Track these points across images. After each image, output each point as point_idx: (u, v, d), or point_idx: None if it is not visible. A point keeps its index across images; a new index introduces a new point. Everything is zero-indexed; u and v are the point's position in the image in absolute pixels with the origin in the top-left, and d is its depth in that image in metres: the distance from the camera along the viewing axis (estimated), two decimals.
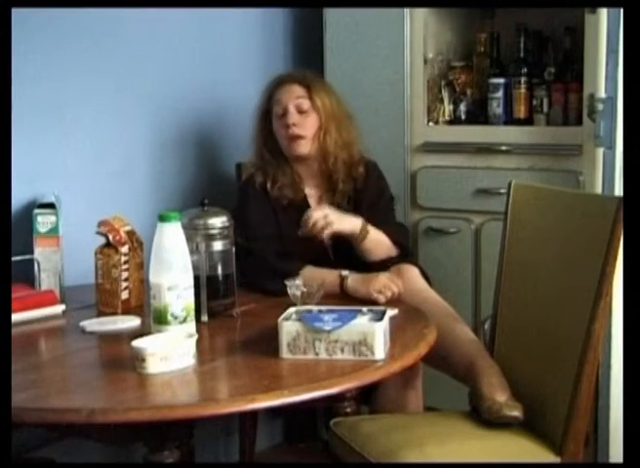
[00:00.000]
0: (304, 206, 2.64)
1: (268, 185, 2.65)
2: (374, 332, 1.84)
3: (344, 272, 2.43)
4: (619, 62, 2.53)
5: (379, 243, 2.57)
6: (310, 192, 2.70)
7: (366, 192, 2.69)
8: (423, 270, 2.60)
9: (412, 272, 2.52)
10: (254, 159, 2.74)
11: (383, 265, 2.53)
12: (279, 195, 2.64)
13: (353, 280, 2.42)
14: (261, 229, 2.57)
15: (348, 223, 2.50)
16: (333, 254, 2.63)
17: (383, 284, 2.37)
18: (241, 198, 2.68)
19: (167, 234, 1.95)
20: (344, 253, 2.58)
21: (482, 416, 2.16)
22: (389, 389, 2.50)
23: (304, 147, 2.62)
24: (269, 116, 2.68)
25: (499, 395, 2.16)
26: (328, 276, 2.42)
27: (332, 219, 2.45)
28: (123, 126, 2.76)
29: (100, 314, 2.27)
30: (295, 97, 2.63)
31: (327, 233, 2.46)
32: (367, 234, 2.52)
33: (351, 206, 2.64)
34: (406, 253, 2.65)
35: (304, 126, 2.62)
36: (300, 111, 2.63)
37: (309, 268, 2.47)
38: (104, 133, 2.71)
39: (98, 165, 2.69)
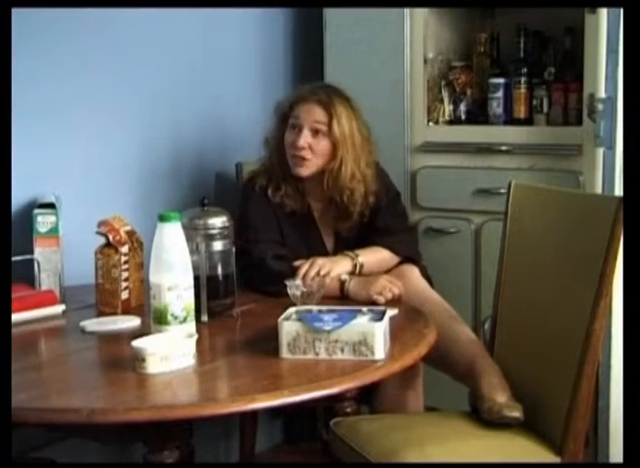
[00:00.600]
0: (309, 217, 2.61)
1: (270, 190, 2.57)
2: (374, 332, 1.84)
3: (344, 276, 2.42)
4: (619, 62, 2.53)
5: (376, 265, 2.55)
6: (315, 204, 2.63)
7: (378, 209, 2.62)
8: (425, 271, 2.60)
9: (413, 273, 2.52)
10: (264, 159, 2.67)
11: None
12: (281, 202, 2.58)
13: (353, 284, 2.41)
14: (261, 232, 2.53)
15: (342, 267, 2.47)
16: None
17: (383, 286, 2.37)
18: (242, 199, 2.63)
19: (167, 234, 1.95)
20: None
21: (482, 417, 2.16)
22: (389, 389, 2.50)
23: (307, 170, 2.52)
24: (286, 122, 2.57)
25: (499, 395, 2.16)
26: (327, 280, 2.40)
27: (328, 268, 2.42)
28: (123, 126, 2.76)
29: (100, 314, 2.27)
30: (313, 120, 2.51)
31: (328, 281, 2.39)
32: (362, 268, 2.50)
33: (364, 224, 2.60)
34: (410, 259, 2.64)
35: (314, 149, 2.51)
36: (314, 132, 2.51)
37: None
38: (104, 133, 2.71)
39: (98, 165, 2.69)
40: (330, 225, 2.64)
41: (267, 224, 2.56)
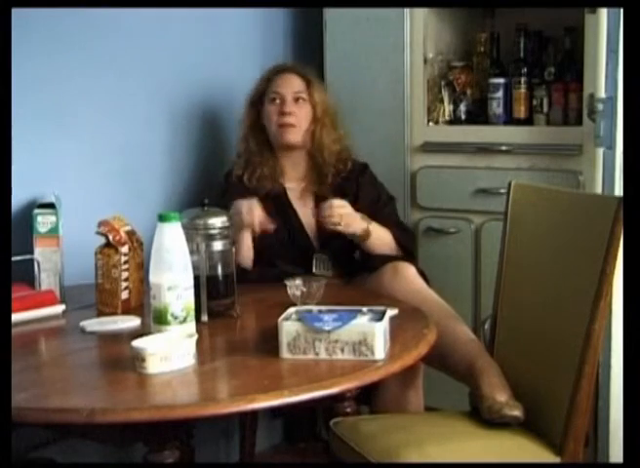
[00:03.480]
0: (283, 198, 2.71)
1: (245, 177, 2.70)
2: (374, 332, 1.84)
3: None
4: (619, 62, 2.53)
5: (380, 241, 2.60)
6: (291, 185, 2.75)
7: (363, 192, 2.71)
8: (421, 270, 2.61)
9: (409, 271, 2.52)
10: (238, 145, 2.78)
11: (380, 260, 2.55)
12: (257, 186, 2.68)
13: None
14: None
15: (354, 228, 2.53)
16: (318, 246, 2.65)
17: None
18: (220, 193, 2.71)
19: (167, 234, 1.95)
20: (329, 243, 2.64)
21: (482, 416, 2.16)
22: (390, 389, 2.50)
23: (296, 136, 2.69)
24: (262, 100, 2.73)
25: (499, 395, 2.16)
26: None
27: (345, 222, 2.49)
28: (123, 126, 2.76)
29: (100, 314, 2.27)
30: (294, 88, 2.71)
31: (332, 228, 2.49)
32: (369, 236, 2.55)
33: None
34: (408, 254, 2.65)
35: (298, 116, 2.69)
36: (296, 101, 2.69)
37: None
38: (104, 133, 2.71)
39: (98, 165, 2.69)
40: (306, 206, 2.72)
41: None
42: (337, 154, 2.74)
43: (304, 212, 2.71)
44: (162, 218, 1.96)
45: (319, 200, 2.65)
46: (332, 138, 2.73)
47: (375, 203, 2.70)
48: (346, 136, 2.79)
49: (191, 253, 2.01)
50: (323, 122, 2.71)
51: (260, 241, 2.56)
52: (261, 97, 2.74)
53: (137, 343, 1.80)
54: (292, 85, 2.71)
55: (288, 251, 2.66)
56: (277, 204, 2.68)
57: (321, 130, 2.71)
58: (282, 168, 2.74)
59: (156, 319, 1.95)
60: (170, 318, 1.93)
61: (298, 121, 2.69)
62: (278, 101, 2.69)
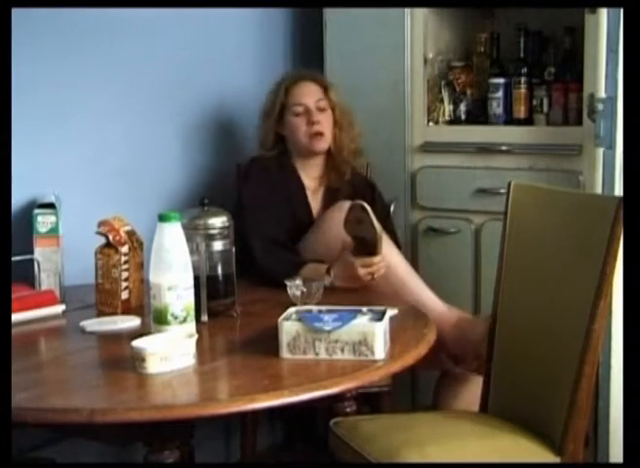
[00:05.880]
0: (302, 195, 2.77)
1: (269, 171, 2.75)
2: (374, 332, 1.84)
3: (332, 272, 2.46)
4: (619, 62, 2.53)
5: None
6: (309, 183, 2.82)
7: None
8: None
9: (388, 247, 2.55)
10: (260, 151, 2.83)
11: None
12: (276, 179, 2.74)
13: (338, 280, 2.45)
14: (262, 210, 2.64)
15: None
16: None
17: (368, 272, 2.44)
18: (242, 177, 2.77)
19: (167, 234, 1.95)
20: None
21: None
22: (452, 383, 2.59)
23: (325, 143, 2.77)
24: (281, 112, 2.78)
25: None
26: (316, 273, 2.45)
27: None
28: (123, 126, 2.76)
29: (100, 314, 2.27)
30: (315, 97, 2.77)
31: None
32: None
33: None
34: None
35: (324, 124, 2.77)
36: (320, 109, 2.76)
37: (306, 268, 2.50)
38: (104, 133, 2.71)
39: (98, 165, 2.69)
40: (318, 200, 2.81)
41: (269, 198, 2.68)
42: (354, 152, 2.82)
43: (317, 209, 2.79)
44: (162, 218, 1.96)
45: (330, 193, 2.77)
46: (350, 138, 2.82)
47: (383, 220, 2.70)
48: (361, 133, 2.86)
49: (191, 253, 2.01)
50: (342, 123, 2.80)
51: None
52: (282, 108, 2.79)
53: (137, 343, 1.80)
54: (312, 94, 2.78)
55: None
56: (293, 197, 2.76)
57: (340, 131, 2.80)
58: (297, 170, 2.81)
59: (156, 319, 1.95)
60: (170, 318, 1.93)
61: (325, 129, 2.76)
62: (303, 112, 2.76)
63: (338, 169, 2.82)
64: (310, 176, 2.83)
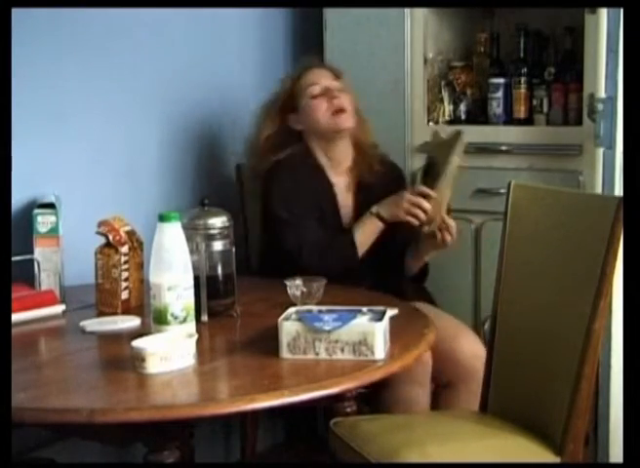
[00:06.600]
0: (330, 193, 2.68)
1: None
2: (374, 332, 1.84)
3: (373, 209, 2.51)
4: (619, 62, 2.53)
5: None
6: (337, 180, 2.72)
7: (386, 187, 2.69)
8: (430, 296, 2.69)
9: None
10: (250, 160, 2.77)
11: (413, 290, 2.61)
12: (303, 179, 2.65)
13: (384, 210, 2.47)
14: (295, 209, 2.59)
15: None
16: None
17: (411, 202, 2.43)
18: (270, 177, 2.66)
19: (167, 234, 1.95)
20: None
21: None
22: (397, 387, 2.50)
23: (349, 120, 2.66)
24: (292, 104, 2.68)
25: None
26: (368, 226, 2.50)
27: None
28: (123, 126, 2.76)
29: (100, 314, 2.27)
30: (329, 79, 2.68)
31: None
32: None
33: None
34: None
35: (345, 102, 2.66)
36: (337, 90, 2.67)
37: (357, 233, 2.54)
38: (104, 133, 2.71)
39: (98, 165, 2.69)
40: (348, 200, 2.71)
41: (302, 202, 2.61)
42: (373, 146, 2.76)
43: (347, 209, 2.70)
44: (162, 218, 1.96)
45: (363, 191, 2.69)
46: (366, 130, 2.75)
47: None
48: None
49: (191, 253, 2.01)
50: (359, 114, 2.71)
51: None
52: (293, 100, 2.69)
53: (137, 343, 1.80)
54: (326, 76, 2.70)
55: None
56: (321, 197, 2.67)
57: (360, 118, 2.71)
58: (321, 164, 2.71)
59: (156, 319, 1.95)
60: (170, 318, 1.93)
61: (347, 106, 2.65)
62: (321, 92, 2.65)
63: (364, 155, 2.71)
64: (338, 170, 2.72)
